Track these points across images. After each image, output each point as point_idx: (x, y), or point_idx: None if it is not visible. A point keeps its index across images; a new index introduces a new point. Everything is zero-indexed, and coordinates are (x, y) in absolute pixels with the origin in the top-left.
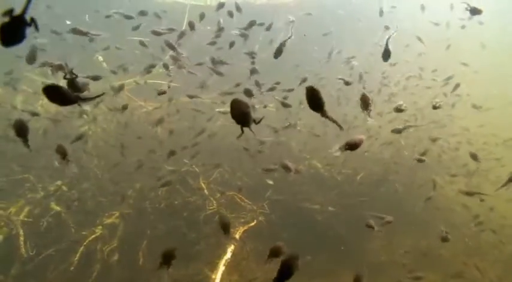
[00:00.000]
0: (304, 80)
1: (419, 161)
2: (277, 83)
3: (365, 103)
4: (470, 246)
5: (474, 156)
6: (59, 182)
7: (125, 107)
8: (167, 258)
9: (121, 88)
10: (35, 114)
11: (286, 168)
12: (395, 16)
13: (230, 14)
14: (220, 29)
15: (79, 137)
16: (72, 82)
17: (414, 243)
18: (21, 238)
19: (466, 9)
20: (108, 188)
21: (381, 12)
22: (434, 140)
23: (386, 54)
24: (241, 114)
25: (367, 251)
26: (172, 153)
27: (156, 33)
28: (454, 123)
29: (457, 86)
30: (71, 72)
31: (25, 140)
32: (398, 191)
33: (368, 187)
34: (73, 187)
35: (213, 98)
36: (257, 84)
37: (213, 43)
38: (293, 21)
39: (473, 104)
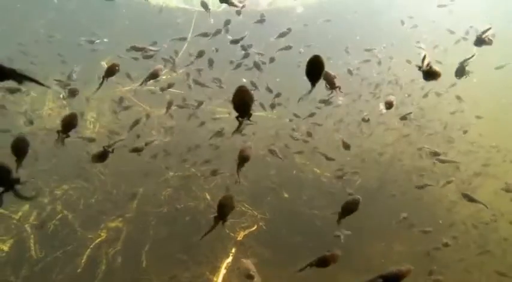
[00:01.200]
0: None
1: (435, 154)
2: (319, 108)
3: (330, 82)
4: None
5: (436, 154)
6: (65, 186)
7: (170, 103)
8: (224, 209)
9: (170, 86)
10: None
11: (274, 153)
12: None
13: (238, 13)
14: (246, 53)
15: (137, 122)
16: (105, 152)
17: (414, 247)
18: (31, 241)
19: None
20: (113, 192)
21: (402, 22)
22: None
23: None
24: (241, 102)
25: (367, 255)
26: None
27: (137, 49)
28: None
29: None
30: (110, 146)
31: (20, 161)
32: (397, 195)
33: (367, 192)
34: (79, 191)
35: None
36: (253, 85)
37: (239, 65)
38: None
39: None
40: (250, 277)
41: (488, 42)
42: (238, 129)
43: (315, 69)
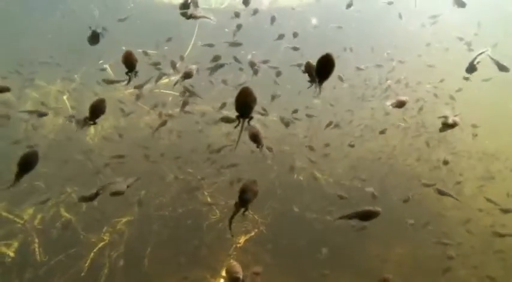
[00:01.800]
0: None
1: (445, 162)
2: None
3: (311, 74)
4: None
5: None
6: (68, 189)
7: (185, 103)
8: (247, 195)
9: (191, 94)
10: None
11: (271, 150)
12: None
13: (237, 15)
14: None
15: (163, 124)
16: (96, 194)
17: (412, 250)
18: (35, 244)
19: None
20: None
21: (400, 16)
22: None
23: None
24: (244, 102)
25: (366, 258)
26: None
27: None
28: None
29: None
30: (102, 189)
31: (21, 175)
32: (395, 199)
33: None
34: (81, 194)
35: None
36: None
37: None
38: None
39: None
40: (236, 280)
41: (504, 69)
42: (241, 130)
43: (325, 67)
